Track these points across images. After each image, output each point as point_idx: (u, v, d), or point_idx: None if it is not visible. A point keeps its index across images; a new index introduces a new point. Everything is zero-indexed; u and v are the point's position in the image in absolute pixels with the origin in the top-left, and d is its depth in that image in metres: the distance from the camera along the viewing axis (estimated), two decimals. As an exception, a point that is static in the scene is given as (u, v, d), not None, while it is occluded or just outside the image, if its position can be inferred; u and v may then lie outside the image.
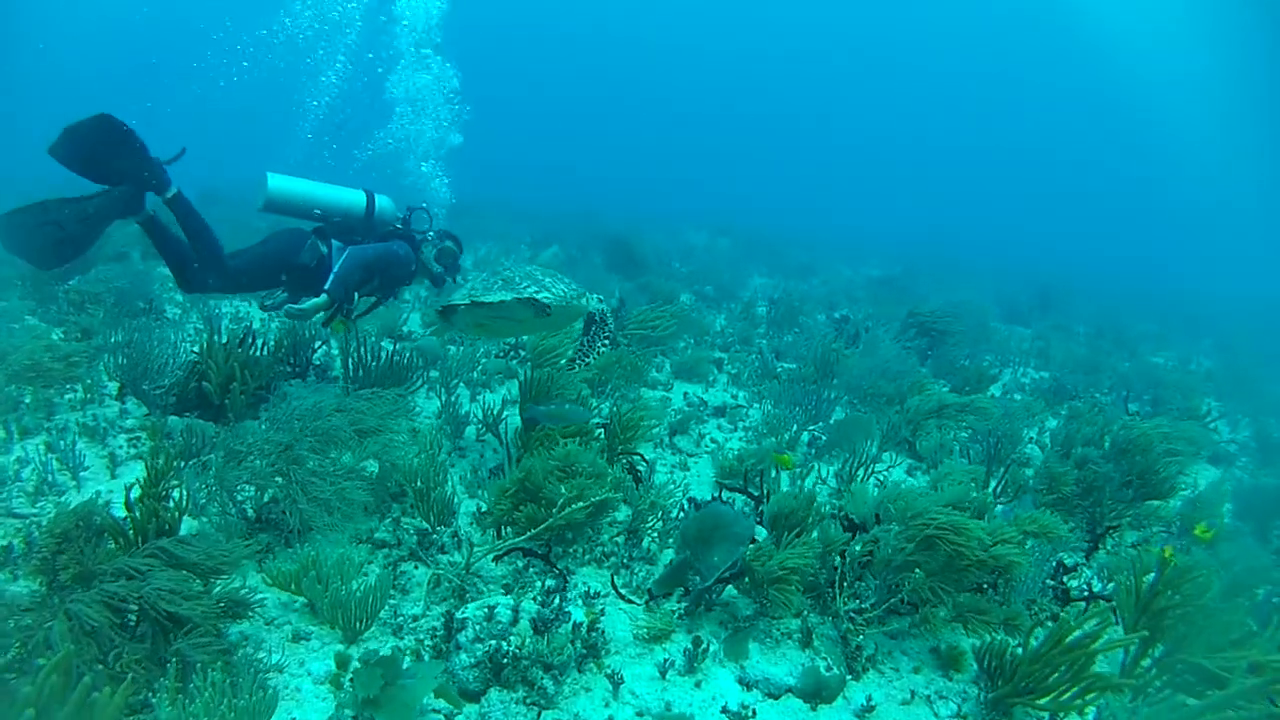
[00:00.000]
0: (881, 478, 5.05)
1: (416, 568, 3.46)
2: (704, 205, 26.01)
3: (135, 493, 2.84)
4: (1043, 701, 2.79)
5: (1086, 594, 3.69)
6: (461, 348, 6.60)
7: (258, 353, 4.75)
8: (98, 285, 6.59)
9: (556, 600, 2.98)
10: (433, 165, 6.61)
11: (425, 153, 6.64)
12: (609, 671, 2.87)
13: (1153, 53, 39.47)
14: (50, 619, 2.37)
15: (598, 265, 12.46)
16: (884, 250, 20.62)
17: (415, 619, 3.10)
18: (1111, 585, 3.85)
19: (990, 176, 53.15)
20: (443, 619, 2.96)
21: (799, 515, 3.33)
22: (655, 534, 3.84)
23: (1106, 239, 40.21)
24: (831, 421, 5.88)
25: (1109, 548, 4.40)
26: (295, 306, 4.50)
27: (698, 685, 2.91)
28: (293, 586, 3.05)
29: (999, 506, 4.71)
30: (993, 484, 5.02)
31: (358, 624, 2.93)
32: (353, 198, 4.91)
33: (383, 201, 5.04)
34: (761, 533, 3.67)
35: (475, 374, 6.19)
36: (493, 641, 2.73)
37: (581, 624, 2.91)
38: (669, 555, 3.72)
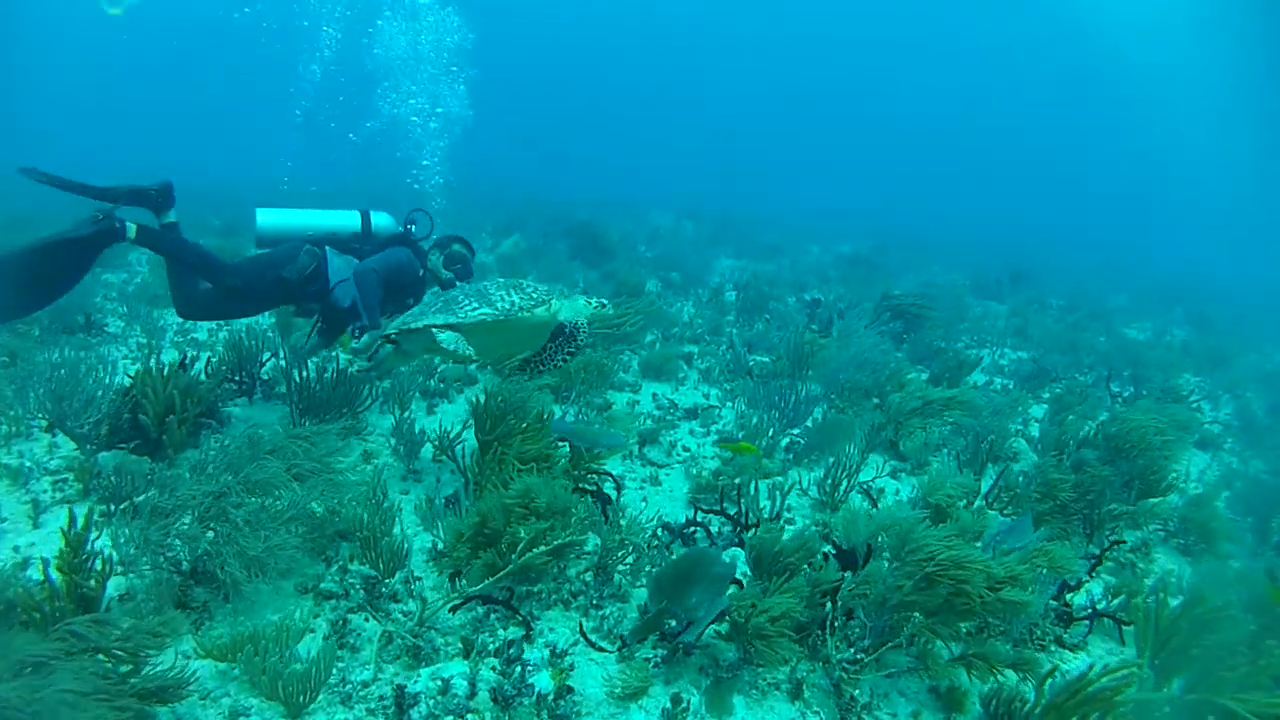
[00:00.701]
0: (868, 488, 4.79)
1: (367, 620, 3.11)
2: (673, 190, 25.54)
3: (53, 564, 2.54)
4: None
5: (1090, 613, 3.48)
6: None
7: (201, 373, 4.42)
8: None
9: (518, 670, 2.64)
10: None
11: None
12: (581, 743, 2.57)
13: (1123, 29, 39.54)
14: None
15: (561, 254, 11.96)
16: (854, 228, 20.39)
17: (365, 685, 2.76)
18: (1116, 601, 3.64)
19: (959, 154, 53.18)
20: (393, 690, 2.63)
21: (786, 559, 3.05)
22: (627, 567, 3.53)
23: (1074, 215, 40.69)
24: (810, 424, 5.61)
25: (1111, 555, 4.19)
26: (357, 344, 4.37)
27: (679, 751, 2.62)
28: (229, 657, 2.72)
29: (996, 516, 4.50)
30: (984, 486, 4.81)
31: (300, 697, 2.60)
32: (346, 220, 4.90)
33: (380, 219, 4.97)
34: (742, 566, 3.39)
35: (432, 382, 5.81)
36: (449, 718, 2.42)
37: (548, 694, 2.59)
38: (642, 594, 3.41)
